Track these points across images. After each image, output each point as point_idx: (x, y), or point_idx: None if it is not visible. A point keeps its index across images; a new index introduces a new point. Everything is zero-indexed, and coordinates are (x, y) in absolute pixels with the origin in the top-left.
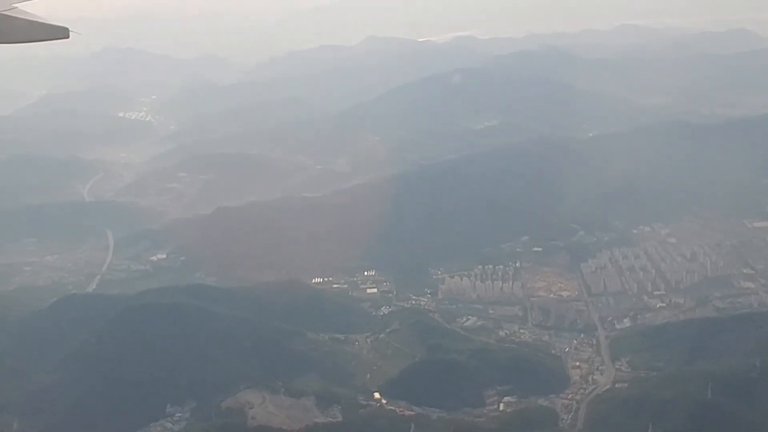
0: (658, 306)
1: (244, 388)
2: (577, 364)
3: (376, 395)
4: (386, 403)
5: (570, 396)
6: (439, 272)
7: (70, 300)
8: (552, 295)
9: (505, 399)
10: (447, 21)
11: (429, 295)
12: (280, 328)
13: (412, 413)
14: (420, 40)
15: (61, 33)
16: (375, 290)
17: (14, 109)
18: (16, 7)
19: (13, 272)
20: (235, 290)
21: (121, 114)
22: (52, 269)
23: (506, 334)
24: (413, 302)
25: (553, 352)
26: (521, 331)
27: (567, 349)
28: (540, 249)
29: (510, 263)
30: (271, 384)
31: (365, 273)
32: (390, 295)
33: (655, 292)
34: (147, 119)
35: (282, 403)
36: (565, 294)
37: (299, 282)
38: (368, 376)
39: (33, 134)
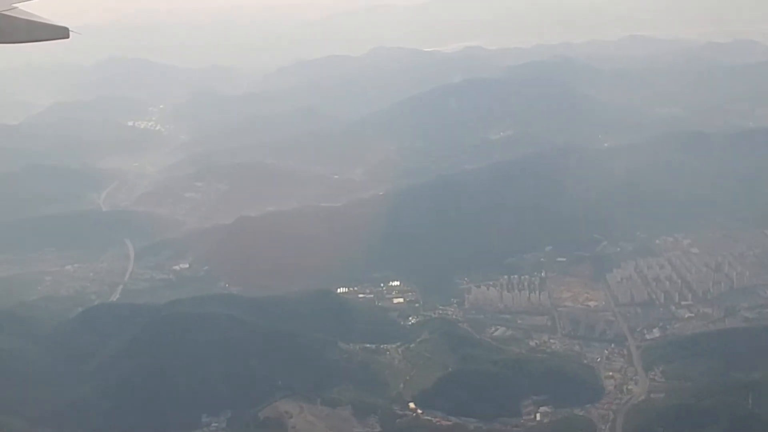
0: (686, 316)
1: (281, 398)
2: (610, 374)
3: (411, 405)
4: (422, 414)
5: (606, 406)
6: (465, 282)
7: (98, 309)
8: (579, 305)
9: (542, 409)
10: (451, 31)
11: (456, 305)
12: (313, 338)
13: (449, 423)
14: (427, 50)
15: (62, 33)
16: (401, 300)
17: (23, 119)
18: (17, 7)
19: (34, 282)
20: (264, 300)
21: (130, 123)
22: (73, 279)
23: (536, 344)
24: (440, 312)
25: (585, 362)
26: (551, 341)
27: (599, 359)
28: (564, 259)
29: (535, 273)
30: (307, 394)
31: (390, 283)
32: (416, 304)
33: (683, 303)
34: (157, 128)
35: (320, 412)
36: (592, 304)
37: (327, 291)
38: (401, 386)
39: (44, 143)
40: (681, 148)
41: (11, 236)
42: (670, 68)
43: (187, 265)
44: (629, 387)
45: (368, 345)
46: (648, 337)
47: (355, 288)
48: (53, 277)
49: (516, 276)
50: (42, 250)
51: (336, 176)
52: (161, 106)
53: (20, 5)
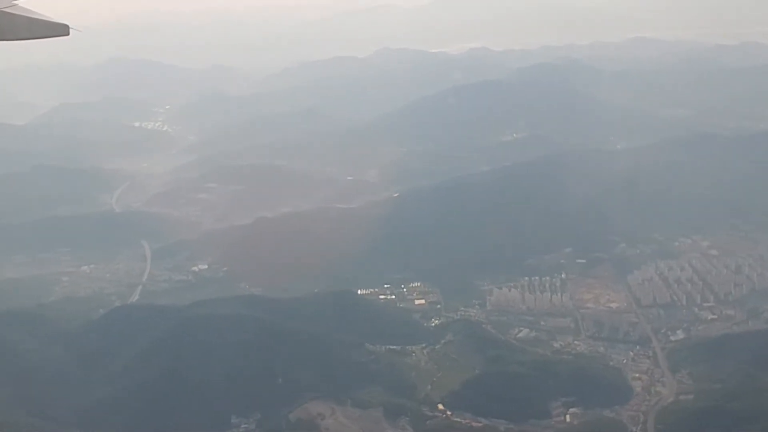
0: (709, 318)
1: (311, 400)
2: (637, 375)
3: (440, 407)
4: (451, 415)
5: (635, 408)
6: (485, 283)
7: (121, 311)
8: (601, 307)
9: (571, 410)
10: (453, 32)
11: (477, 307)
12: (339, 339)
13: (480, 425)
14: (433, 51)
15: (62, 30)
16: (423, 301)
17: (28, 119)
18: (17, 4)
19: (51, 283)
20: (287, 301)
21: (136, 124)
22: (90, 279)
23: (561, 345)
24: (463, 314)
25: (611, 363)
26: (576, 342)
27: (625, 361)
28: (583, 261)
29: (555, 275)
30: (337, 395)
31: (410, 284)
32: (438, 306)
33: (705, 304)
34: (164, 129)
35: (351, 414)
36: (614, 306)
37: (350, 293)
38: (429, 387)
39: (51, 144)
40: (693, 150)
41: (25, 237)
42: (676, 70)
43: (205, 266)
44: (657, 389)
45: (393, 346)
46: (672, 338)
47: (376, 289)
48: (70, 278)
49: (536, 277)
50: (56, 251)
51: (349, 178)
52: (167, 107)
53: (20, 2)
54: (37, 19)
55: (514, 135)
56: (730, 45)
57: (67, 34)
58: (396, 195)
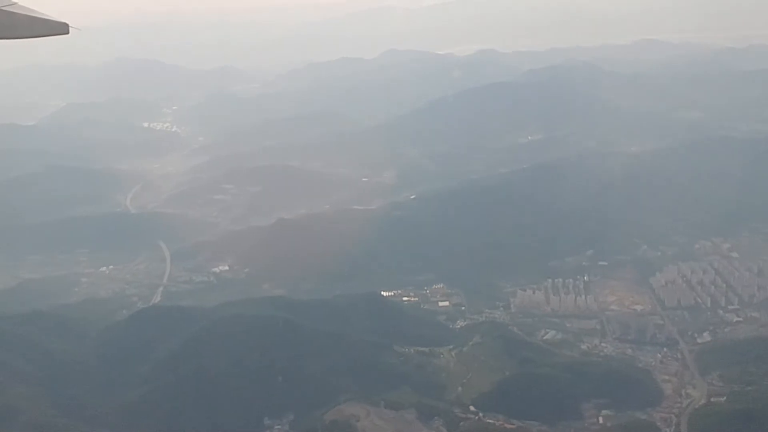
0: (734, 320)
1: (344, 401)
2: (666, 377)
3: (471, 408)
4: (483, 417)
5: (667, 410)
6: (508, 285)
7: (148, 312)
8: (626, 309)
9: (603, 412)
10: (458, 34)
11: (502, 309)
12: (369, 341)
13: (513, 426)
14: (440, 53)
15: (61, 29)
16: (447, 303)
17: (37, 119)
18: (16, 3)
19: (70, 283)
20: (314, 303)
21: (145, 124)
22: (110, 280)
23: (588, 347)
24: (487, 315)
25: (640, 365)
26: (603, 344)
27: (653, 363)
28: (606, 263)
29: (578, 277)
30: (369, 397)
31: (433, 286)
32: (462, 308)
33: (729, 307)
34: (173, 130)
35: (385, 415)
36: (638, 308)
37: (375, 294)
38: (459, 389)
39: (62, 144)
40: (710, 153)
41: (41, 237)
42: (686, 73)
43: (226, 267)
44: (688, 391)
45: (421, 348)
46: (699, 341)
47: (399, 291)
48: (89, 278)
49: (559, 279)
50: (74, 251)
51: (364, 179)
52: (174, 107)
53: (20, 1)
54: (36, 18)
55: (529, 137)
56: (737, 48)
57: (67, 32)
58: (413, 197)
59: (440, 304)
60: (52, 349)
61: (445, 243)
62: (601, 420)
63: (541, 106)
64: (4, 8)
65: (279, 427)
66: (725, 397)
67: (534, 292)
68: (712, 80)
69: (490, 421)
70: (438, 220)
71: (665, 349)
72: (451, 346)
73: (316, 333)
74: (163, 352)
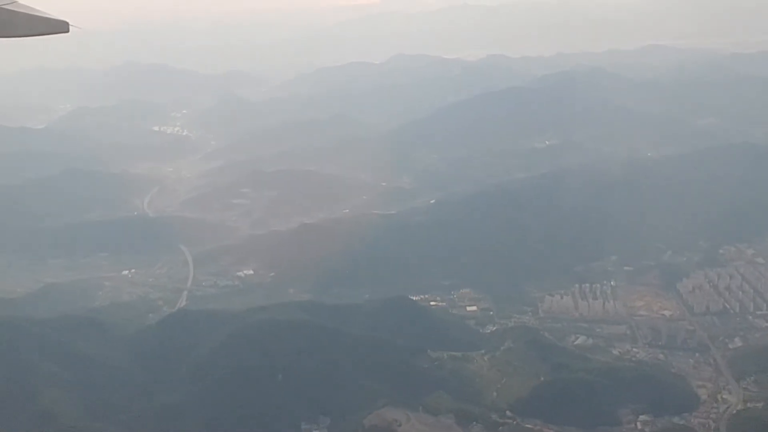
0: (764, 326)
1: (383, 406)
2: (701, 383)
3: (508, 413)
4: (521, 421)
5: (704, 415)
6: (534, 290)
7: (178, 316)
8: (655, 315)
9: (641, 417)
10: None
11: (530, 314)
12: (403, 346)
13: (551, 431)
14: (448, 57)
15: (61, 27)
16: (474, 308)
17: (46, 123)
18: (16, 1)
19: (94, 287)
20: (346, 307)
21: (155, 128)
22: (133, 284)
23: (620, 353)
24: (516, 320)
25: (673, 371)
26: (634, 350)
27: (687, 368)
28: (631, 268)
29: (604, 282)
30: (406, 401)
31: (460, 290)
32: (491, 313)
33: (758, 312)
34: (184, 134)
35: (425, 420)
36: (667, 313)
37: (404, 299)
38: (494, 394)
39: (73, 148)
40: (729, 158)
41: (62, 240)
42: (698, 78)
43: (251, 272)
44: (723, 396)
45: (454, 353)
46: (731, 346)
47: (426, 295)
48: (112, 282)
49: (586, 285)
50: (95, 255)
51: (383, 183)
52: (184, 111)
53: (20, 0)
54: (36, 16)
55: (546, 142)
56: (744, 53)
57: (67, 31)
58: (432, 201)
59: (468, 308)
60: (86, 353)
61: (468, 248)
62: (639, 425)
63: (556, 111)
64: (4, 6)
65: (317, 431)
66: (762, 403)
67: (562, 297)
68: (723, 86)
69: (528, 426)
70: (460, 225)
71: (697, 355)
72: (482, 351)
73: (349, 337)
74: (198, 356)
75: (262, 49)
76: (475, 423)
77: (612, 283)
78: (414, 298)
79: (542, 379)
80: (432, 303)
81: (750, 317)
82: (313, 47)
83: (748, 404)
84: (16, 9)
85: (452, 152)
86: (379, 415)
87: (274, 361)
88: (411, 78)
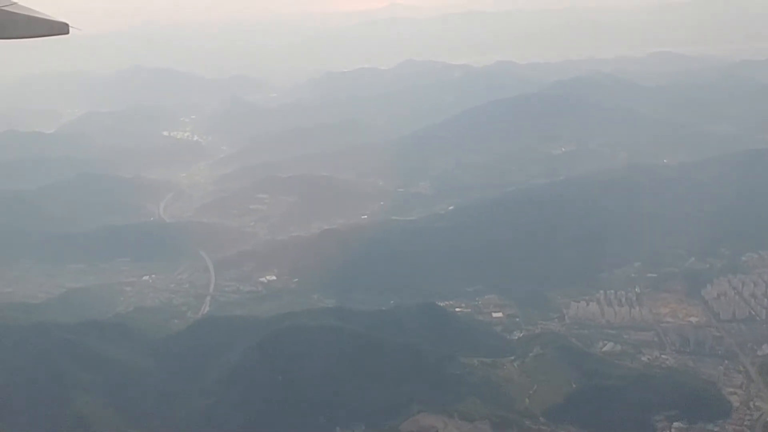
0: None
1: (417, 412)
2: (732, 390)
3: (542, 420)
4: (555, 428)
5: (738, 422)
6: (559, 297)
7: (206, 322)
8: (681, 321)
9: (675, 424)
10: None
11: (556, 320)
12: (434, 352)
13: None
14: (456, 63)
15: (61, 29)
16: (500, 314)
17: (56, 127)
18: (16, 2)
19: (115, 293)
20: (373, 313)
21: (165, 133)
22: (154, 290)
23: (649, 359)
24: (543, 327)
25: (704, 377)
26: (663, 356)
27: (717, 375)
28: (655, 275)
29: (629, 289)
30: (442, 407)
31: (485, 297)
32: (517, 319)
33: None
34: (194, 139)
35: (462, 427)
36: (693, 320)
37: (432, 305)
38: (527, 400)
39: (84, 152)
40: (747, 165)
41: (81, 246)
42: (710, 85)
43: (274, 278)
44: (756, 403)
45: (484, 359)
46: (759, 353)
47: (451, 302)
48: (133, 288)
49: (611, 291)
50: (114, 260)
51: (400, 189)
52: (193, 116)
53: (20, 1)
54: (36, 17)
55: (563, 149)
56: (755, 60)
57: (67, 32)
58: (451, 207)
59: (494, 314)
60: (115, 359)
61: (491, 254)
62: None
63: (570, 117)
64: (3, 8)
65: None
66: None
67: (588, 304)
68: (735, 92)
69: None
70: (481, 231)
71: (726, 361)
72: (512, 357)
73: (380, 343)
74: (229, 361)
75: (267, 54)
76: (509, 430)
77: (636, 289)
78: (440, 304)
79: (574, 385)
80: (457, 309)
81: None
82: (320, 52)
83: None
84: (15, 10)
85: (468, 158)
86: (416, 421)
87: (306, 367)
88: (421, 84)
